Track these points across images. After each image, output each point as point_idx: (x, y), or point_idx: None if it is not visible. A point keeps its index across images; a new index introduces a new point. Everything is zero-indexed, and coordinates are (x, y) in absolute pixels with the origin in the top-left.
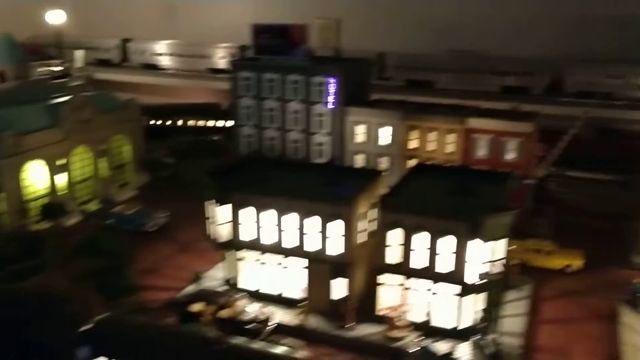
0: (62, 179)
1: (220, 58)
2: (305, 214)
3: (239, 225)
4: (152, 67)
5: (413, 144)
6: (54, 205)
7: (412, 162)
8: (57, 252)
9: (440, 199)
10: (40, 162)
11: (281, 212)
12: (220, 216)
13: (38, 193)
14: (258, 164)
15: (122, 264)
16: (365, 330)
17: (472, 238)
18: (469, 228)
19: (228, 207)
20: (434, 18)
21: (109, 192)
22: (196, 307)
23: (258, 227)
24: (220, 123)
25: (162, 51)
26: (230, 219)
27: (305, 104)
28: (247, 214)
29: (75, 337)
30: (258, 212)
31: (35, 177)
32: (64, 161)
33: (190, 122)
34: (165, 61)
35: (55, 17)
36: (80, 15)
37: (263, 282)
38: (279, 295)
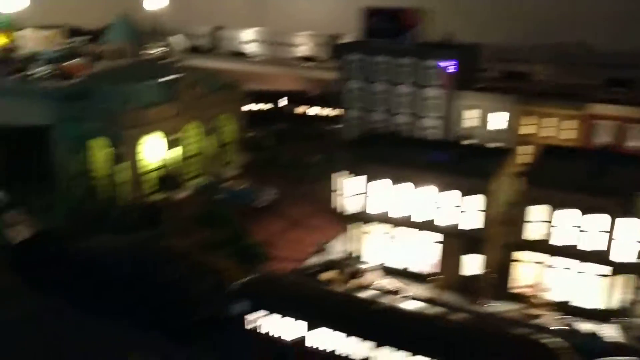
0: (174, 153)
1: (309, 46)
2: (443, 187)
3: (369, 198)
4: (241, 55)
5: (527, 129)
6: (169, 178)
7: (526, 148)
8: (175, 223)
9: (582, 178)
10: (155, 135)
11: (417, 185)
12: (349, 188)
13: (152, 166)
14: (385, 140)
15: (240, 235)
16: (500, 307)
17: (625, 216)
18: (623, 205)
19: (359, 179)
20: (533, 10)
21: (215, 169)
22: (327, 275)
23: (390, 200)
24: (311, 110)
25: (251, 39)
26: (360, 191)
27: (416, 87)
28: (379, 186)
29: (231, 292)
30: (393, 184)
31: (151, 150)
32: (177, 136)
33: (284, 108)
34: (253, 49)
35: (154, 3)
36: (175, 2)
37: (389, 256)
38: (405, 269)
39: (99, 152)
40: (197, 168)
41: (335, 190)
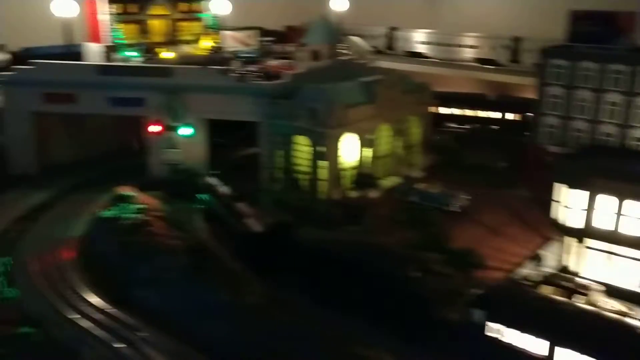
0: (367, 154)
1: (487, 48)
2: None
3: (594, 212)
4: (416, 56)
5: None
6: (363, 177)
7: None
8: (374, 221)
9: None
10: (353, 135)
11: None
12: (572, 200)
13: (348, 164)
14: (610, 153)
15: (443, 239)
16: None
17: None
18: None
19: (583, 193)
20: None
21: (400, 170)
22: (544, 289)
23: (618, 217)
24: (491, 114)
25: (427, 40)
26: (583, 204)
27: (628, 96)
28: (605, 201)
29: (471, 298)
30: (620, 200)
31: (347, 150)
32: (372, 136)
33: (463, 111)
34: (428, 50)
35: (339, 6)
36: (350, 3)
37: (612, 275)
38: (630, 291)
39: (302, 149)
40: (386, 169)
41: (556, 201)
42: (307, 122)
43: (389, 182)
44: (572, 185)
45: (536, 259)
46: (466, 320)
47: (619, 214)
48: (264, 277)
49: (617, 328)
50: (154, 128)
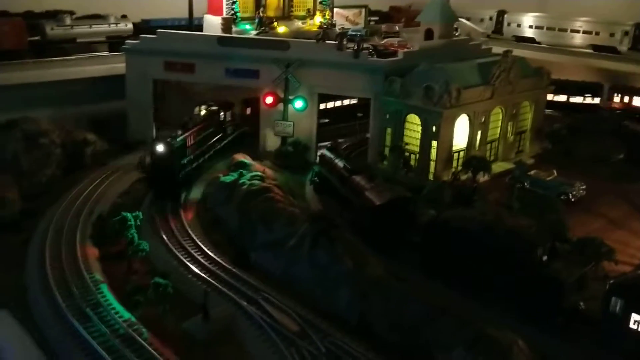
0: (477, 136)
1: (603, 35)
2: None
3: None
4: (525, 40)
5: None
6: (473, 160)
7: None
8: (485, 205)
9: None
10: (466, 116)
11: None
12: None
13: (458, 147)
14: None
15: (562, 227)
16: None
17: None
18: None
19: None
20: None
21: (511, 156)
22: None
23: None
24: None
25: (537, 24)
26: None
27: None
28: None
29: (611, 287)
30: None
31: (459, 131)
32: (485, 119)
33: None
34: (538, 34)
35: None
36: None
37: None
38: None
39: (413, 128)
40: (494, 154)
41: None
42: (421, 100)
43: (499, 167)
44: None
45: None
46: (604, 309)
47: None
48: (382, 251)
49: None
50: (267, 100)
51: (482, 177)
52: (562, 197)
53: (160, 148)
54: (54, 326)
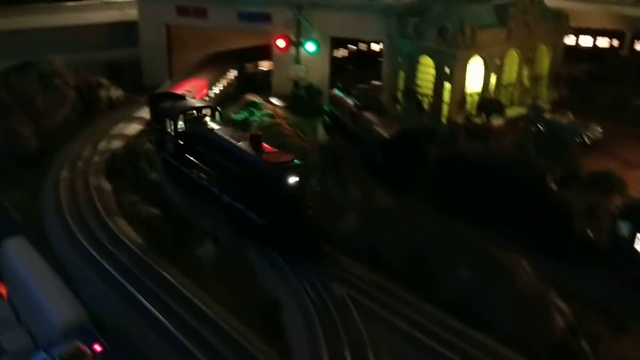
0: (494, 80)
1: None
2: None
3: None
4: None
5: None
6: (488, 103)
7: None
8: (499, 147)
9: None
10: (480, 59)
11: None
12: None
13: (472, 89)
14: None
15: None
16: None
17: None
18: None
19: None
20: None
21: (527, 101)
22: None
23: None
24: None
25: None
26: None
27: None
28: None
29: (617, 212)
30: None
31: (473, 74)
32: (500, 62)
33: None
34: None
35: None
36: None
37: None
38: None
39: (427, 70)
40: (512, 98)
41: None
42: (435, 42)
43: (514, 111)
44: None
45: None
46: (612, 233)
47: None
48: (393, 188)
49: None
50: (279, 43)
51: (497, 121)
52: (577, 139)
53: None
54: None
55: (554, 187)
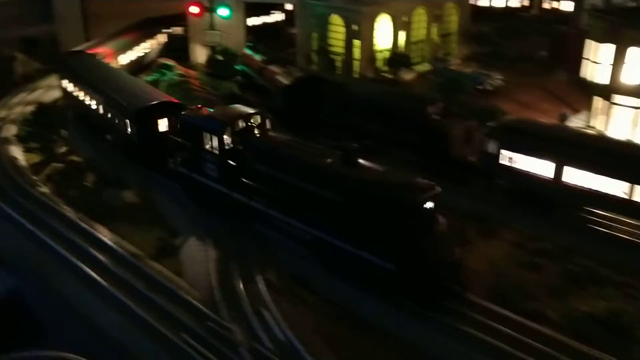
0: (402, 37)
1: None
2: None
3: (623, 67)
4: None
5: None
6: (397, 58)
7: None
8: None
9: None
10: (387, 16)
11: None
12: (601, 56)
13: (383, 47)
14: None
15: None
16: None
17: None
18: None
19: (612, 46)
20: None
21: (437, 56)
22: None
23: None
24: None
25: None
26: (612, 59)
27: None
28: (636, 54)
29: (487, 131)
30: None
31: (382, 32)
32: (405, 19)
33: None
34: None
35: None
36: None
37: (636, 133)
38: None
39: (337, 29)
40: (420, 55)
41: (586, 58)
42: (343, 1)
43: (425, 67)
44: (601, 39)
45: (562, 118)
46: (482, 152)
47: None
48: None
49: (622, 148)
50: (193, 9)
51: (408, 75)
52: (478, 87)
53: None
54: None
55: (435, 117)
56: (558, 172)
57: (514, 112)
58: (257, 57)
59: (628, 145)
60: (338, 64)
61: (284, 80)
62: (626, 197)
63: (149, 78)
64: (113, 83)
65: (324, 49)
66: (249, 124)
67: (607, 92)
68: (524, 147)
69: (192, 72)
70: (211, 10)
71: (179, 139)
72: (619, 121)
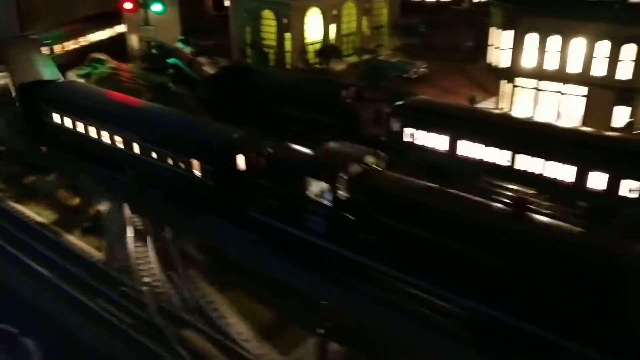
0: (332, 30)
1: None
2: (597, 38)
3: (522, 52)
4: None
5: None
6: (327, 50)
7: None
8: None
9: None
10: (317, 10)
11: (569, 37)
12: (504, 42)
13: (313, 40)
14: None
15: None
16: None
17: None
18: None
19: (512, 33)
20: None
21: (368, 49)
22: None
23: (542, 54)
24: None
25: None
26: (514, 44)
27: None
28: (533, 39)
29: (390, 111)
30: (544, 37)
31: (312, 25)
32: (335, 12)
33: None
34: None
35: None
36: None
37: (537, 111)
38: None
39: (269, 23)
40: (351, 47)
41: (491, 45)
42: None
43: (355, 58)
44: (503, 27)
45: (471, 100)
46: (388, 130)
47: (543, 50)
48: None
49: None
50: (127, 6)
51: (339, 66)
52: (404, 75)
53: None
54: None
55: (348, 100)
56: (452, 145)
57: (435, 96)
58: (187, 50)
59: (511, 119)
60: (271, 56)
61: (210, 70)
62: (509, 164)
63: (81, 72)
64: (142, 117)
65: (257, 42)
66: (365, 165)
67: (510, 75)
68: (423, 124)
69: (124, 66)
70: (145, 6)
71: (268, 182)
72: (522, 101)
